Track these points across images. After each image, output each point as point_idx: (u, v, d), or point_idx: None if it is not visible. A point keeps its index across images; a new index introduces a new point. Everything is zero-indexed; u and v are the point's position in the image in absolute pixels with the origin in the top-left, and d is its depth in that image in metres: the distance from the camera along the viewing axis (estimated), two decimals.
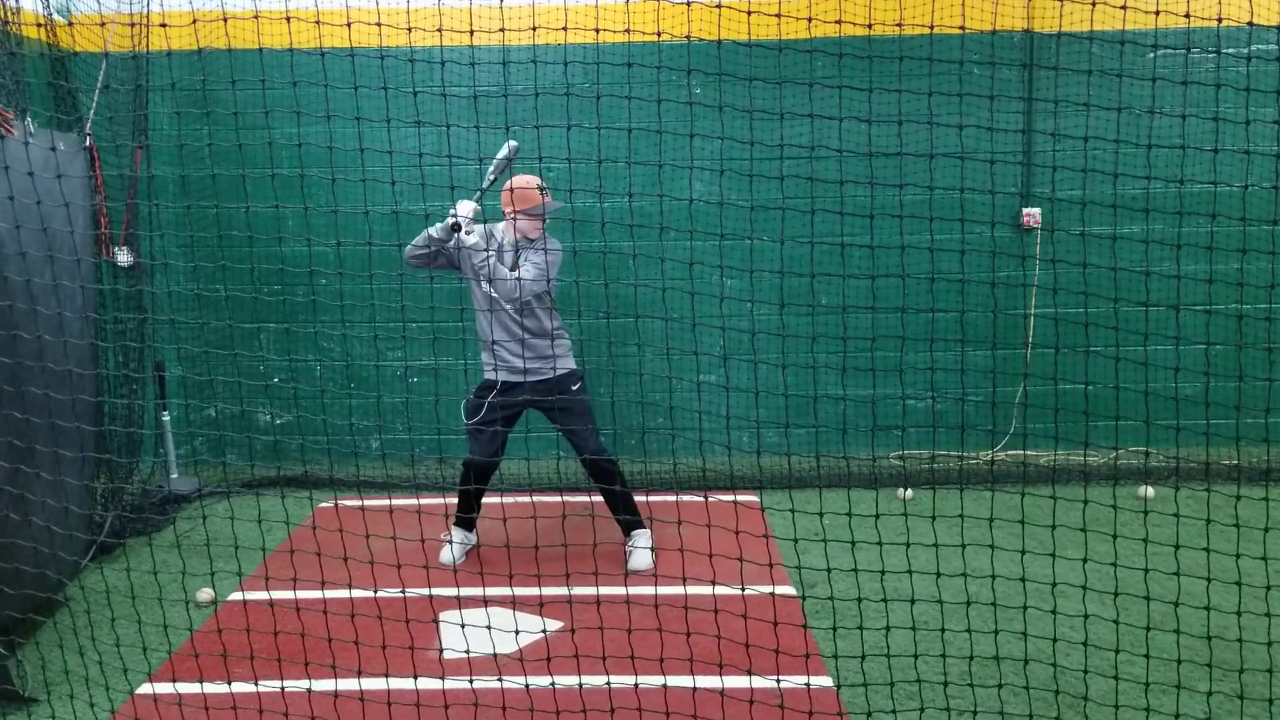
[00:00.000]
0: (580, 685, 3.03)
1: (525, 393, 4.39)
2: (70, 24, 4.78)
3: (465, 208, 4.21)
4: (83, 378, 4.10)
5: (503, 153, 4.28)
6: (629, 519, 4.52)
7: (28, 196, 3.53)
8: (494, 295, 4.32)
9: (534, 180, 4.35)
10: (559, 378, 4.39)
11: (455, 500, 4.77)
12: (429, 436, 6.06)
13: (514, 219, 4.30)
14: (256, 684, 3.17)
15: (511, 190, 4.29)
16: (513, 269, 4.32)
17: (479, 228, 4.30)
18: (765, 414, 5.84)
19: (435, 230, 4.27)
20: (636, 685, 3.02)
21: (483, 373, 4.54)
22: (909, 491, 5.33)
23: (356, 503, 4.65)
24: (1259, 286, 4.11)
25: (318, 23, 2.91)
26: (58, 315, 3.78)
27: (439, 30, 2.69)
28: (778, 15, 2.71)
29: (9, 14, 4.09)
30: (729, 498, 4.94)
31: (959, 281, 4.54)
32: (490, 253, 4.18)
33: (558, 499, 4.93)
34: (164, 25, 5.03)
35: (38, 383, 3.67)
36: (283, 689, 3.11)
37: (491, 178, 4.28)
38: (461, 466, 4.56)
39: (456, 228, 4.17)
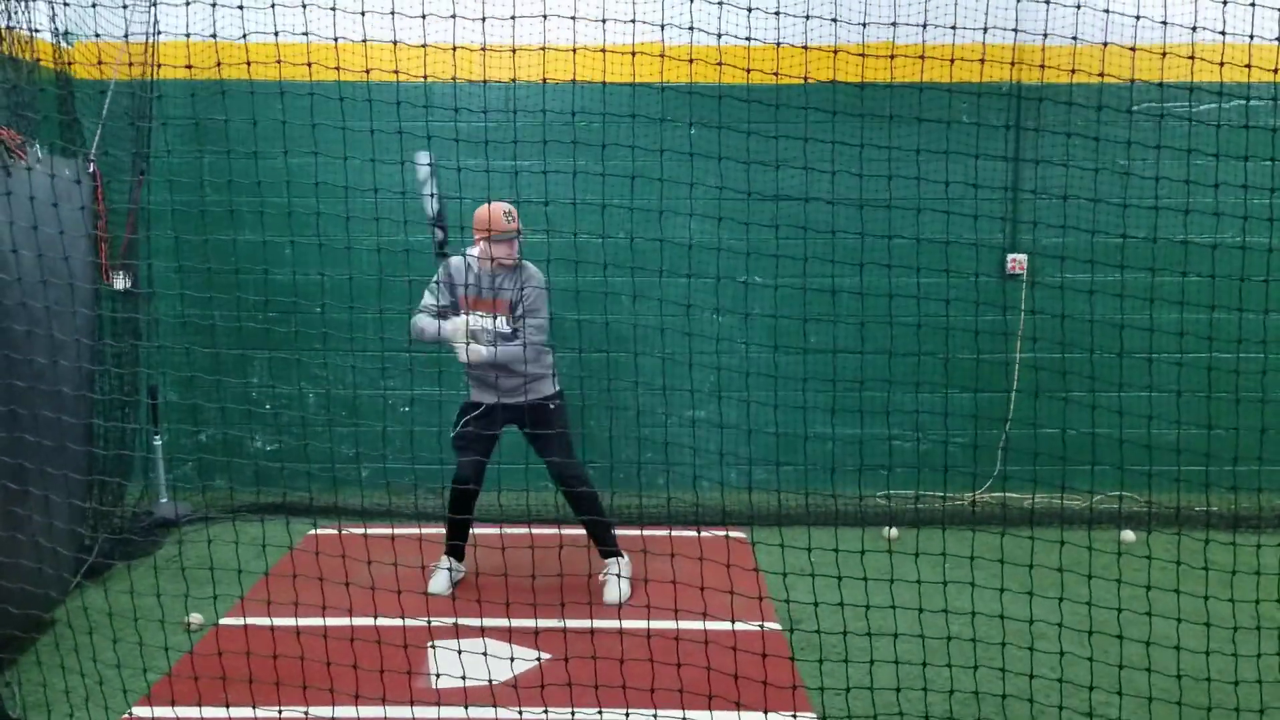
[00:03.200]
0: (573, 714, 3.10)
1: (507, 409, 4.46)
2: (70, 62, 4.82)
3: (457, 332, 4.40)
4: (79, 401, 4.15)
5: (423, 164, 4.39)
6: (607, 547, 4.60)
7: (36, 223, 3.60)
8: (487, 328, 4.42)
9: (502, 206, 4.40)
10: (542, 398, 4.49)
11: (442, 530, 4.83)
12: (418, 466, 6.10)
13: (487, 244, 4.37)
14: (228, 709, 3.21)
15: (485, 220, 4.35)
16: (495, 296, 4.42)
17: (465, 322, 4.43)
18: (756, 452, 5.94)
19: (441, 334, 4.45)
20: (627, 714, 3.09)
21: (469, 393, 4.63)
22: (894, 530, 5.44)
23: (345, 530, 4.69)
24: (1229, 340, 4.29)
25: (308, 64, 3.03)
26: (60, 340, 3.84)
27: (454, 77, 2.82)
28: (775, 74, 2.85)
29: (20, 43, 4.17)
30: (720, 533, 5.04)
31: (944, 328, 4.68)
32: (490, 342, 4.36)
33: (554, 531, 5.01)
34: (158, 65, 5.15)
35: (37, 406, 3.72)
36: (269, 715, 3.15)
37: (430, 194, 4.37)
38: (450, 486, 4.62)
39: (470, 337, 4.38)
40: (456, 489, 4.52)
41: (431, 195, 4.36)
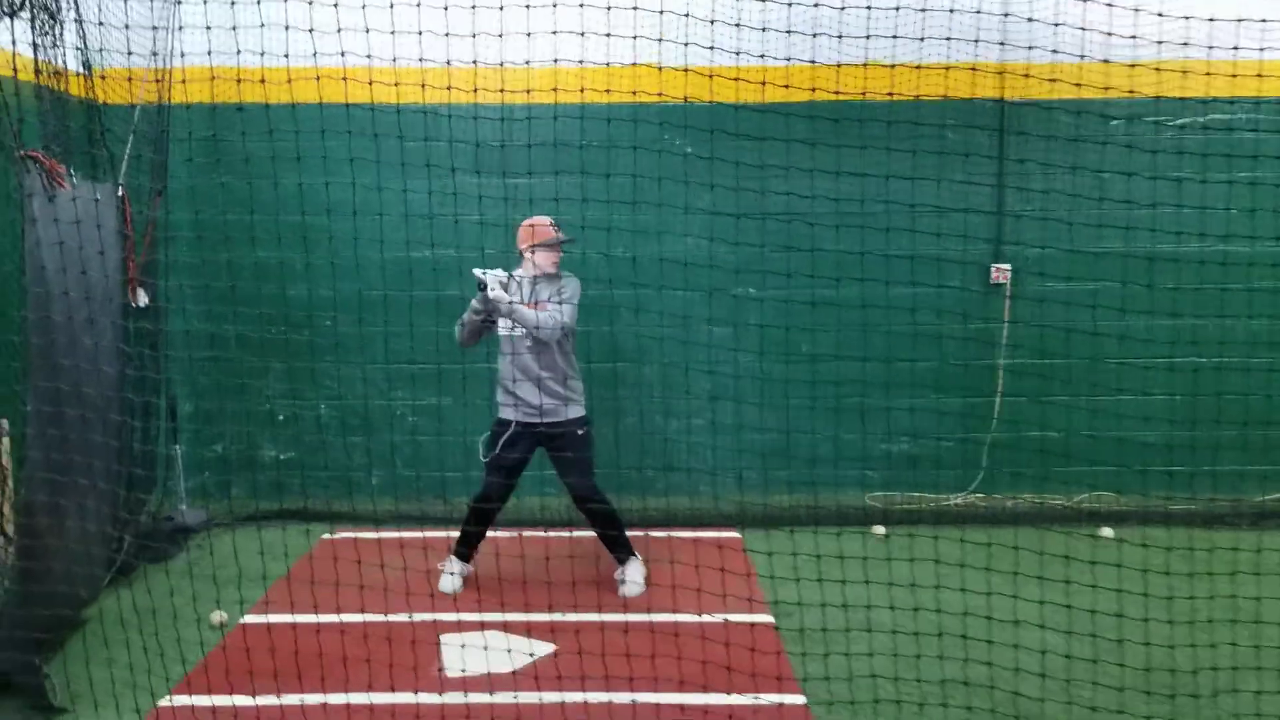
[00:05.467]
0: (585, 701, 3.34)
1: (536, 433, 4.69)
2: (89, 77, 5.02)
3: (493, 274, 4.52)
4: (110, 412, 4.37)
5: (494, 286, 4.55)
6: (620, 553, 4.85)
7: (73, 244, 3.85)
8: (515, 335, 4.62)
9: (547, 219, 4.75)
10: (567, 422, 4.70)
11: (455, 534, 5.03)
12: (427, 474, 6.32)
13: (531, 253, 4.66)
14: (254, 697, 3.43)
15: (533, 227, 4.68)
16: (535, 301, 4.63)
17: (503, 282, 4.57)
18: (749, 457, 6.16)
19: (474, 303, 4.58)
20: (634, 703, 3.32)
21: (499, 410, 4.80)
22: (882, 529, 5.68)
23: (358, 535, 4.90)
24: (1209, 361, 4.50)
25: (344, 79, 3.26)
26: (95, 353, 4.07)
27: (475, 91, 3.04)
28: (787, 89, 3.07)
29: (55, 73, 4.40)
30: (715, 534, 5.27)
31: (914, 335, 4.94)
32: (514, 299, 4.52)
33: (566, 535, 5.25)
34: (185, 98, 5.37)
35: (76, 415, 3.95)
36: (276, 704, 3.39)
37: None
38: (471, 500, 4.84)
39: (481, 285, 4.47)
40: (482, 506, 4.74)
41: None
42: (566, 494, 4.83)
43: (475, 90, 3.12)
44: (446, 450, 6.36)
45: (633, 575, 4.82)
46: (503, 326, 4.69)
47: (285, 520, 5.85)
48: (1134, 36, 3.57)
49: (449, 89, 3.13)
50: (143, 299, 5.34)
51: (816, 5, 3.26)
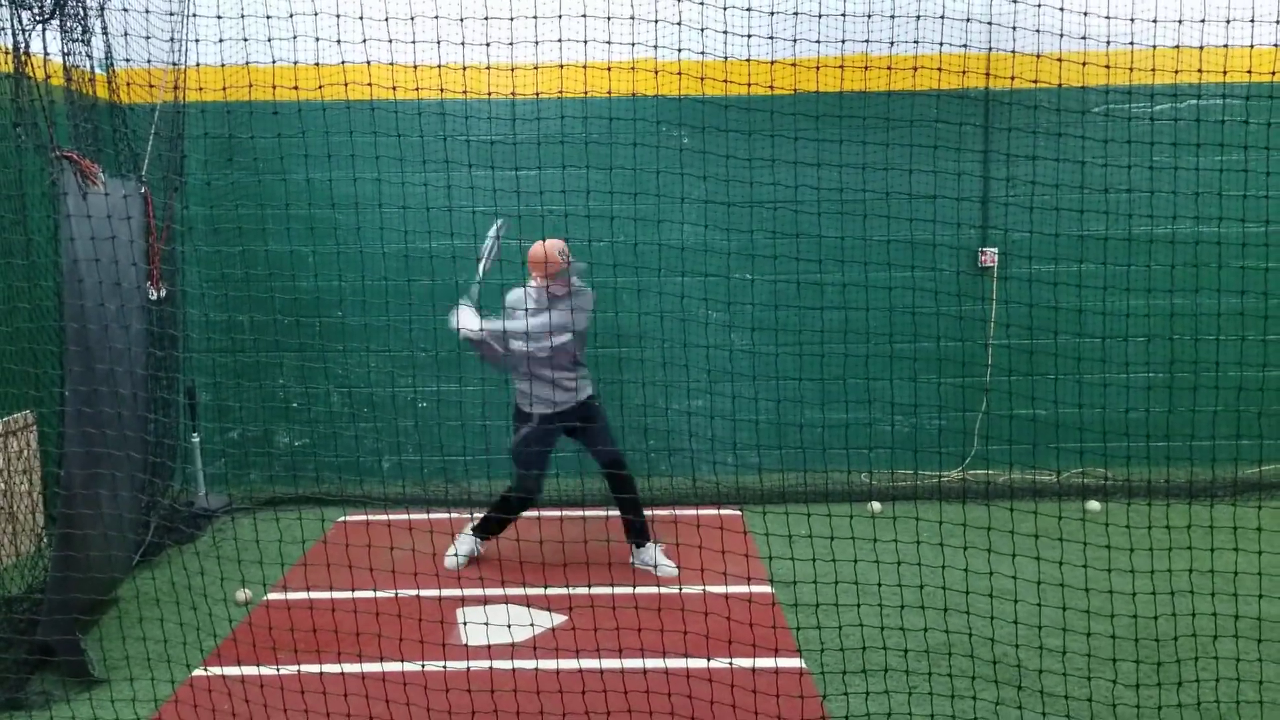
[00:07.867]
0: (600, 667, 3.57)
1: (558, 420, 4.90)
2: (113, 80, 5.22)
3: (466, 318, 4.67)
4: (138, 400, 4.58)
5: (491, 231, 4.79)
6: (640, 537, 5.04)
7: (103, 238, 4.05)
8: (531, 350, 4.75)
9: (557, 245, 4.77)
10: (582, 403, 4.93)
11: (466, 515, 5.23)
12: (436, 459, 6.54)
13: (545, 283, 4.76)
14: (280, 668, 3.67)
15: (544, 255, 4.73)
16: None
17: (494, 318, 4.73)
18: (751, 437, 6.39)
19: (477, 339, 4.74)
20: (644, 668, 3.56)
21: (520, 404, 4.95)
22: (878, 505, 5.91)
23: (373, 517, 5.11)
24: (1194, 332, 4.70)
25: (345, 85, 3.48)
26: (124, 344, 4.28)
27: (490, 95, 3.27)
28: (772, 84, 3.29)
29: (84, 78, 4.60)
30: (717, 511, 5.49)
31: (912, 314, 5.15)
32: (525, 320, 4.69)
33: (576, 513, 5.47)
34: (199, 89, 5.58)
35: (109, 404, 4.16)
36: (302, 673, 3.60)
37: (487, 259, 4.79)
38: (505, 493, 5.01)
39: (479, 257, 4.66)
40: (523, 499, 4.90)
41: (486, 258, 4.79)
42: (598, 468, 5.00)
43: (490, 92, 3.35)
44: (455, 434, 6.56)
45: (659, 558, 5.00)
46: (518, 346, 4.78)
47: (301, 504, 6.08)
48: (1108, 41, 3.79)
49: (464, 91, 3.36)
50: (161, 290, 5.54)
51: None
